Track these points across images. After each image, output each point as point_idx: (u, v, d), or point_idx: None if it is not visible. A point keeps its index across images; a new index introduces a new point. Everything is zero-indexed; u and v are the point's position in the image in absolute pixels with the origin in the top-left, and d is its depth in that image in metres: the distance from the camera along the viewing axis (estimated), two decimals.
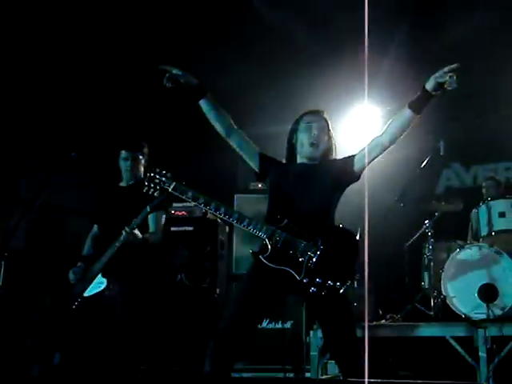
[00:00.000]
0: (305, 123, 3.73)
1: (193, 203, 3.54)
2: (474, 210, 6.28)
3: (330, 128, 3.78)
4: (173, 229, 6.13)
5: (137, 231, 4.41)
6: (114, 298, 4.40)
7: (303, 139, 3.70)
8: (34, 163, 6.57)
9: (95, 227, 4.89)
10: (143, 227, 4.55)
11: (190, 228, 6.13)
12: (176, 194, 3.54)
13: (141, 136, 5.00)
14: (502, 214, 5.88)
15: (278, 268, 3.35)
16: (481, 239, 5.95)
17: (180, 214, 6.21)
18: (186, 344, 5.69)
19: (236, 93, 6.71)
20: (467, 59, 6.36)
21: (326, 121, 3.77)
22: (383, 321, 5.79)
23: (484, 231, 5.98)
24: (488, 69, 6.54)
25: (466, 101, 7.08)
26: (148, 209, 4.33)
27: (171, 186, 3.54)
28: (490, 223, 5.92)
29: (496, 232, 5.88)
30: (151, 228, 4.67)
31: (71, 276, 4.53)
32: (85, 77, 6.66)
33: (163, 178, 3.55)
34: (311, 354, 5.34)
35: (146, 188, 3.57)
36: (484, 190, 6.71)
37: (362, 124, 6.95)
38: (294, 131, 3.78)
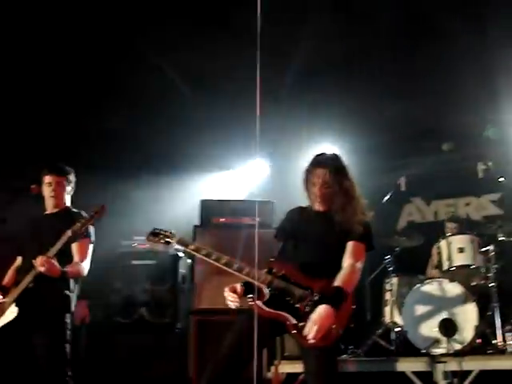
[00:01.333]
0: (310, 179, 3.81)
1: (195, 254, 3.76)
2: (435, 245, 6.44)
3: (341, 174, 3.77)
4: (134, 262, 6.14)
5: (54, 261, 4.26)
6: (24, 329, 4.30)
7: (309, 192, 3.85)
8: None
9: (19, 258, 4.75)
10: (66, 257, 4.44)
11: (152, 262, 6.15)
12: (179, 246, 3.84)
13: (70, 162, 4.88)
14: (461, 250, 6.08)
15: (275, 312, 3.49)
16: (441, 274, 6.12)
17: (142, 247, 6.22)
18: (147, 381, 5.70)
19: (206, 128, 6.88)
20: (427, 95, 6.65)
21: (332, 170, 3.75)
22: (345, 356, 5.86)
23: (444, 266, 6.16)
24: (447, 105, 6.79)
25: (426, 137, 7.39)
26: (65, 237, 4.26)
27: (175, 239, 3.80)
28: (450, 258, 6.11)
29: (456, 267, 6.07)
30: (75, 258, 4.51)
31: None
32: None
33: (167, 233, 3.84)
34: None
35: (150, 243, 3.91)
36: (448, 230, 6.79)
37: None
38: (304, 181, 3.87)
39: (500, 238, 6.12)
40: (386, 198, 6.55)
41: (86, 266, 4.56)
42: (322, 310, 3.35)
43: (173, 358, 5.88)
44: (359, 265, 3.69)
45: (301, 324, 3.41)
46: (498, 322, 5.68)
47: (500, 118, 6.44)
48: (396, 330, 5.99)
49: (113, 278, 6.10)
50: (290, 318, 3.45)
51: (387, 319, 6.18)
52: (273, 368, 5.57)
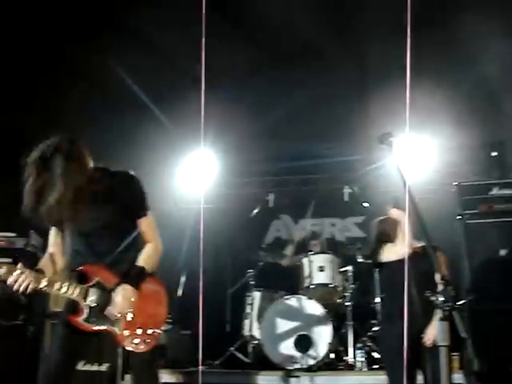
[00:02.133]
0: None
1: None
2: (298, 263, 6.70)
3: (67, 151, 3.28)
4: None
5: None
6: None
7: None
8: None
9: None
10: None
11: (9, 260, 5.99)
12: None
13: None
14: (321, 269, 6.41)
15: (98, 325, 3.34)
16: (301, 291, 6.41)
17: None
18: None
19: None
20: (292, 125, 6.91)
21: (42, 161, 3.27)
22: (201, 367, 5.93)
23: (305, 283, 6.46)
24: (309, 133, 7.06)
25: (295, 158, 7.68)
26: None
27: None
28: (310, 276, 6.41)
29: (315, 285, 6.39)
30: None
31: None
32: None
33: None
34: None
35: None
36: (308, 245, 7.09)
37: (198, 169, 7.23)
38: None
39: (359, 260, 6.51)
40: (255, 212, 6.82)
41: None
42: (123, 289, 3.31)
43: (24, 363, 5.75)
44: (159, 244, 3.52)
45: (125, 333, 3.35)
46: (350, 339, 6.09)
47: (368, 144, 6.81)
48: (253, 343, 6.20)
49: None
50: (114, 329, 3.35)
51: (246, 332, 6.36)
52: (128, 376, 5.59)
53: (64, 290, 3.29)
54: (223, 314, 6.96)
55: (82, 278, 3.37)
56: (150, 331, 3.42)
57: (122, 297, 3.31)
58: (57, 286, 3.29)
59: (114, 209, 3.40)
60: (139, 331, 3.40)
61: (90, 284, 3.35)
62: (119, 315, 3.33)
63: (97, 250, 3.40)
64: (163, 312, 3.53)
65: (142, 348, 3.38)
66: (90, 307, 3.33)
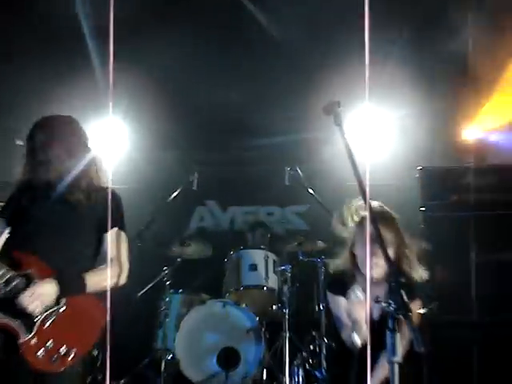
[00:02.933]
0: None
1: None
2: (226, 259, 6.39)
3: (70, 134, 3.68)
4: None
5: None
6: None
7: None
8: None
9: None
10: None
11: None
12: None
13: None
14: (253, 267, 6.12)
15: (3, 318, 3.25)
16: (228, 294, 6.15)
17: None
18: None
19: None
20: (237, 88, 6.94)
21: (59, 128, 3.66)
22: None
23: (232, 285, 6.17)
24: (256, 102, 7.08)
25: (230, 133, 7.52)
26: None
27: None
28: (239, 276, 6.14)
29: (245, 287, 6.12)
30: None
31: None
32: None
33: None
34: None
35: None
36: (250, 237, 6.86)
37: (107, 141, 6.83)
38: None
39: (300, 258, 6.27)
40: (174, 195, 6.41)
41: None
42: (47, 283, 3.30)
43: None
44: (122, 269, 3.66)
45: (33, 340, 3.21)
46: (286, 354, 5.76)
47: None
48: (168, 358, 5.89)
49: None
50: (21, 330, 3.22)
51: (159, 345, 6.05)
52: None
53: None
54: (131, 321, 6.45)
55: (16, 267, 3.35)
56: (62, 349, 3.25)
57: (41, 290, 3.27)
58: None
59: (89, 215, 3.58)
60: (50, 344, 3.24)
61: (20, 273, 3.31)
62: (31, 310, 3.23)
63: (49, 249, 3.45)
64: (89, 337, 3.39)
65: (44, 365, 3.20)
66: (8, 295, 3.25)
